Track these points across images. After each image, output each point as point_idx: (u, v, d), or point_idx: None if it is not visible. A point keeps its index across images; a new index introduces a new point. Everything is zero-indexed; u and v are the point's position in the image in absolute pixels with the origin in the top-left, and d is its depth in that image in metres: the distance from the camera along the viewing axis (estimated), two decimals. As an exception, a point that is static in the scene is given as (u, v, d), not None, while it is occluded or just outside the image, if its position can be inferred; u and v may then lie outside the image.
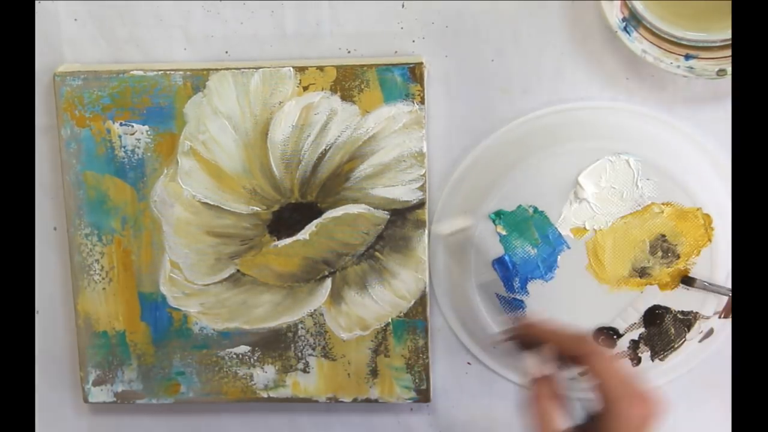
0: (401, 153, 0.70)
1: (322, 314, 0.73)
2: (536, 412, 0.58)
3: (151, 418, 0.78)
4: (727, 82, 0.67)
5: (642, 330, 0.72)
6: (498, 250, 0.70)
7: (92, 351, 0.75)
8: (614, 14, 0.65)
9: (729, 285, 0.70)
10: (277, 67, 0.69)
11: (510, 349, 0.62)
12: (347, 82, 0.69)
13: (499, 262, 0.71)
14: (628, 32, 0.66)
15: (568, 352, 0.59)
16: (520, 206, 0.70)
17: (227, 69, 0.70)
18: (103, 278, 0.73)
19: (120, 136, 0.71)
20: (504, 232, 0.70)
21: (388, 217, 0.71)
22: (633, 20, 0.66)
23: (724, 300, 0.71)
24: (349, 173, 0.71)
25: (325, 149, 0.70)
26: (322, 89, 0.69)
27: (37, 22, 0.70)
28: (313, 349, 0.74)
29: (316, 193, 0.71)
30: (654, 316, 0.71)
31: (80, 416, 0.79)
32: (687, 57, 0.66)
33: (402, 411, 0.77)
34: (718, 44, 0.65)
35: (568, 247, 0.70)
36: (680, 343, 0.72)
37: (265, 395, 0.75)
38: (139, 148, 0.71)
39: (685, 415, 0.77)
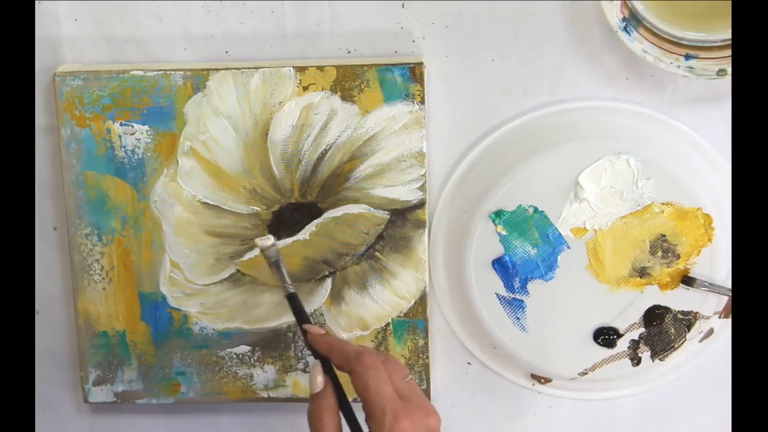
0: (401, 153, 0.70)
1: (322, 314, 0.73)
2: (317, 425, 0.59)
3: (151, 418, 0.78)
4: (727, 82, 0.67)
5: (642, 330, 0.72)
6: (498, 250, 0.70)
7: (92, 351, 0.75)
8: (614, 14, 0.65)
9: (729, 285, 0.70)
10: (277, 67, 0.69)
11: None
12: (347, 82, 0.69)
13: (499, 262, 0.71)
14: (628, 32, 0.66)
15: (341, 368, 0.60)
16: (520, 206, 0.70)
17: (227, 69, 0.70)
18: (103, 278, 0.73)
19: (120, 136, 0.71)
20: (504, 232, 0.70)
21: (388, 217, 0.71)
22: (633, 20, 0.66)
23: (724, 300, 0.71)
24: (349, 173, 0.71)
25: (325, 149, 0.70)
26: (322, 89, 0.69)
27: (37, 22, 0.70)
28: (313, 349, 0.74)
29: (316, 193, 0.71)
30: (654, 316, 0.71)
31: (80, 416, 0.79)
32: (687, 57, 0.66)
33: (402, 411, 0.77)
34: (718, 44, 0.65)
35: (568, 247, 0.70)
36: (680, 343, 0.72)
37: (265, 395, 0.75)
38: (139, 148, 0.71)
39: (685, 415, 0.77)
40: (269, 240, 0.66)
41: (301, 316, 0.65)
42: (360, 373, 0.59)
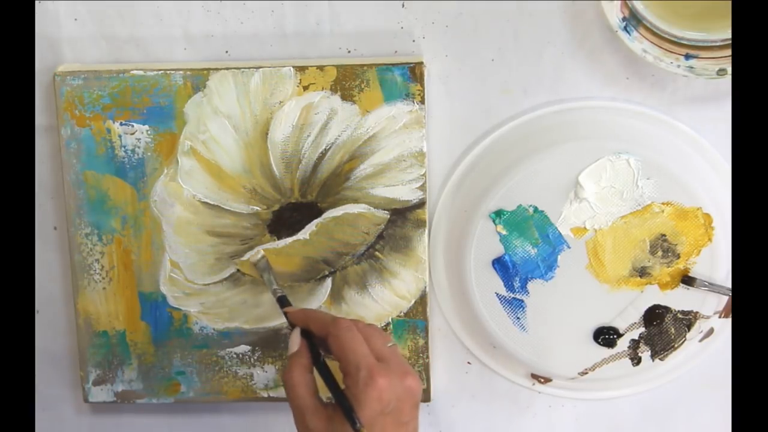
0: (401, 153, 0.70)
1: (322, 314, 0.73)
2: (289, 384, 0.60)
3: (151, 418, 0.78)
4: (727, 82, 0.67)
5: (642, 330, 0.72)
6: (498, 250, 0.70)
7: (92, 351, 0.75)
8: (614, 14, 0.65)
9: (729, 285, 0.70)
10: (277, 66, 0.69)
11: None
12: (347, 81, 0.69)
13: (499, 262, 0.71)
14: (628, 32, 0.66)
15: (320, 335, 0.61)
16: (520, 206, 0.70)
17: (227, 69, 0.70)
18: (103, 278, 0.73)
19: (120, 136, 0.71)
20: (504, 232, 0.70)
21: (388, 216, 0.71)
22: (633, 20, 0.66)
23: (724, 300, 0.71)
24: (349, 173, 0.71)
25: (325, 149, 0.70)
26: (322, 89, 0.69)
27: (37, 22, 0.70)
28: (313, 349, 0.74)
29: (316, 192, 0.71)
30: (654, 316, 0.71)
31: (80, 416, 0.79)
32: (687, 57, 0.66)
33: (402, 411, 0.77)
34: (718, 44, 0.65)
35: (568, 247, 0.70)
36: (680, 342, 0.72)
37: (265, 395, 0.75)
38: (139, 147, 0.71)
39: (685, 415, 0.77)
40: (259, 253, 0.71)
41: (287, 318, 0.65)
42: (335, 334, 0.60)
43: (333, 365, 0.61)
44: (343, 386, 0.59)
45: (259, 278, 0.72)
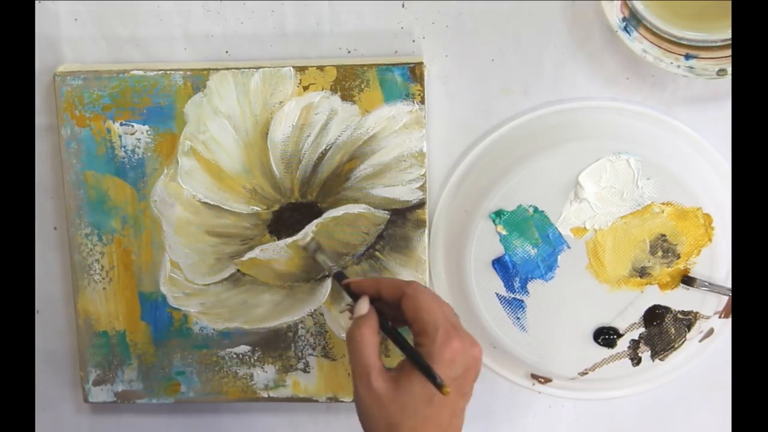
0: (401, 153, 0.70)
1: (322, 314, 0.73)
2: (357, 340, 0.59)
3: (151, 418, 0.78)
4: (727, 82, 0.67)
5: (642, 330, 0.72)
6: (498, 250, 0.70)
7: (92, 351, 0.75)
8: (614, 14, 0.65)
9: (729, 285, 0.70)
10: (277, 66, 0.69)
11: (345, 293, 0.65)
12: (347, 81, 0.69)
13: (499, 262, 0.71)
14: (628, 32, 0.66)
15: (389, 296, 0.61)
16: (520, 206, 0.70)
17: (227, 69, 0.70)
18: (103, 278, 0.73)
19: (120, 136, 0.71)
20: (504, 232, 0.70)
21: (389, 216, 0.71)
22: (633, 20, 0.66)
23: (724, 300, 0.71)
24: (349, 173, 0.71)
25: (325, 149, 0.70)
26: (322, 89, 0.69)
27: (37, 22, 0.70)
28: (314, 349, 0.74)
29: (316, 192, 0.71)
30: (654, 316, 0.71)
31: (80, 416, 0.79)
32: (687, 57, 0.66)
33: (402, 411, 0.77)
34: (718, 44, 0.65)
35: (568, 247, 0.70)
36: (680, 343, 0.72)
37: (265, 395, 0.75)
38: (139, 147, 0.71)
39: (685, 415, 0.77)
40: (308, 236, 0.69)
41: (349, 291, 0.64)
42: (412, 294, 0.59)
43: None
44: (415, 344, 0.59)
45: (267, 270, 0.72)
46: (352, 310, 0.62)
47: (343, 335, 0.73)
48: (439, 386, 0.56)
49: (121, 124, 0.71)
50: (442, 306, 0.60)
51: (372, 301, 0.62)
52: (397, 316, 0.61)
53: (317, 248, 0.69)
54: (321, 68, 0.69)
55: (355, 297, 0.63)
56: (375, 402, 0.58)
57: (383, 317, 0.61)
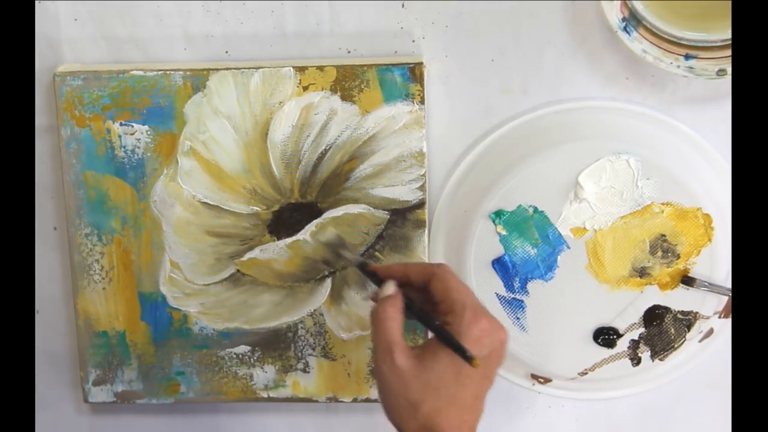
0: (401, 153, 0.70)
1: (322, 314, 0.73)
2: (381, 317, 0.59)
3: (151, 418, 0.78)
4: (727, 82, 0.67)
5: (642, 330, 0.72)
6: (498, 250, 0.70)
7: (92, 351, 0.75)
8: (614, 14, 0.65)
9: (729, 285, 0.70)
10: (277, 67, 0.69)
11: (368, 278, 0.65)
12: (347, 82, 0.69)
13: (499, 262, 0.71)
14: (628, 32, 0.66)
15: (418, 278, 0.61)
16: (520, 206, 0.70)
17: (227, 69, 0.70)
18: (103, 278, 0.73)
19: (120, 136, 0.71)
20: (504, 232, 0.70)
21: (388, 217, 0.71)
22: (633, 20, 0.66)
23: (724, 300, 0.71)
24: (349, 173, 0.71)
25: (325, 149, 0.70)
26: (322, 89, 0.69)
27: (37, 22, 0.70)
28: (313, 349, 0.74)
29: (316, 193, 0.71)
30: (654, 316, 0.71)
31: (80, 416, 0.79)
32: (687, 57, 0.66)
33: (402, 411, 0.77)
34: (718, 44, 0.65)
35: (568, 247, 0.70)
36: (680, 343, 0.72)
37: (265, 395, 0.75)
38: (139, 148, 0.71)
39: (685, 415, 0.77)
40: (331, 233, 0.69)
41: (375, 278, 0.64)
42: (441, 275, 0.60)
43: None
44: (442, 322, 0.60)
45: (266, 270, 0.72)
46: (377, 298, 0.63)
47: (343, 335, 0.73)
48: (469, 359, 0.57)
49: (121, 125, 0.71)
50: (470, 290, 0.60)
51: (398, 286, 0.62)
52: (423, 302, 0.61)
53: (341, 243, 0.68)
54: (321, 68, 0.69)
55: (380, 283, 0.63)
56: (398, 379, 0.58)
57: (408, 298, 0.61)
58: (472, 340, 0.57)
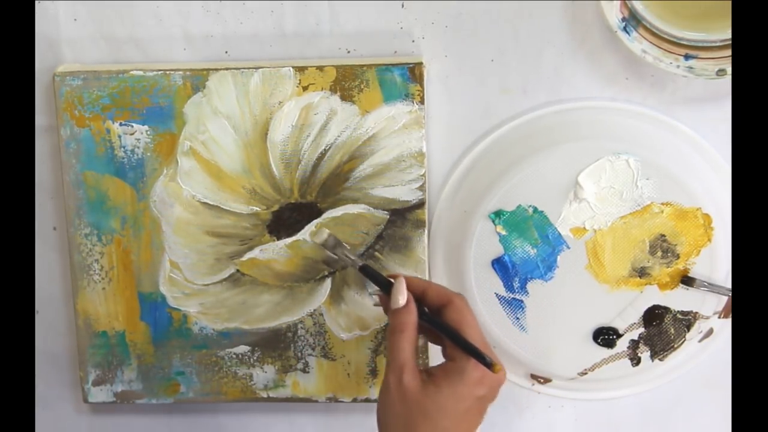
0: (401, 153, 0.70)
1: (321, 314, 0.73)
2: (398, 329, 0.61)
3: (151, 418, 0.78)
4: (727, 82, 0.67)
5: (642, 330, 0.72)
6: (498, 250, 0.70)
7: (92, 351, 0.75)
8: (614, 14, 0.65)
9: (729, 285, 0.70)
10: (277, 67, 0.69)
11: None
12: (347, 82, 0.69)
13: (499, 262, 0.71)
14: (627, 32, 0.66)
15: (434, 300, 0.62)
16: (520, 206, 0.70)
17: (227, 69, 0.70)
18: (102, 278, 0.73)
19: (120, 136, 0.71)
20: (504, 232, 0.70)
21: (388, 217, 0.71)
22: (633, 20, 0.66)
23: (724, 300, 0.71)
24: (348, 173, 0.71)
25: (324, 149, 0.70)
26: (322, 89, 0.69)
27: (37, 22, 0.70)
28: (313, 349, 0.74)
29: (315, 193, 0.71)
30: (654, 316, 0.71)
31: (80, 416, 0.79)
32: (687, 57, 0.66)
33: (402, 411, 0.77)
34: (718, 44, 0.65)
35: (568, 247, 0.70)
36: (680, 343, 0.72)
37: (264, 395, 0.75)
38: (138, 148, 0.71)
39: (684, 415, 0.77)
40: (324, 233, 0.67)
41: (379, 279, 0.65)
42: (459, 306, 0.61)
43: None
44: (447, 356, 0.61)
45: (266, 270, 0.72)
46: (380, 297, 0.64)
47: (342, 335, 0.73)
48: (489, 365, 0.58)
49: (121, 125, 0.71)
50: (480, 328, 0.62)
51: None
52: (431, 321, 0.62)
53: (336, 243, 0.68)
54: (320, 68, 0.69)
55: (383, 286, 0.64)
56: (401, 397, 0.59)
57: (422, 311, 0.63)
58: (473, 381, 0.59)
